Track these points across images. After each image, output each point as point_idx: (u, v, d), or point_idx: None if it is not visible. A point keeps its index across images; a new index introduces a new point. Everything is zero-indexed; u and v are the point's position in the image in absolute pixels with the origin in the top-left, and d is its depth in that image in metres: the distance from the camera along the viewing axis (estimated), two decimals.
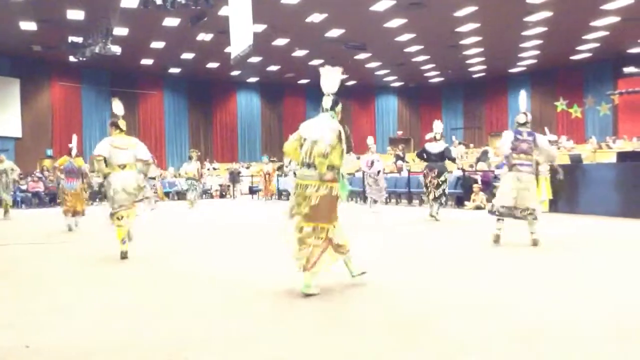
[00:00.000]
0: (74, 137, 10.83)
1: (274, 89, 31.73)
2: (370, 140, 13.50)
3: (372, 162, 13.03)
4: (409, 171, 17.78)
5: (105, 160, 6.52)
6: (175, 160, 28.86)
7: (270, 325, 3.67)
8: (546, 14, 18.62)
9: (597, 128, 26.25)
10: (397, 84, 33.10)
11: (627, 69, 23.72)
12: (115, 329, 3.64)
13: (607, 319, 3.62)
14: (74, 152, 10.51)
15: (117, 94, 27.46)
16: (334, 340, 3.33)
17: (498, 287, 4.70)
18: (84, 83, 27.13)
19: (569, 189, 11.84)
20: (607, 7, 17.89)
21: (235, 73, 28.07)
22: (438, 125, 11.02)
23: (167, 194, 22.83)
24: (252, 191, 23.71)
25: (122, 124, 6.76)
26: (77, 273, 5.85)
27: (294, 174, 4.82)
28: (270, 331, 3.53)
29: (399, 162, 22.00)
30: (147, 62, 25.40)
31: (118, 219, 6.43)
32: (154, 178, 17.85)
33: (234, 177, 24.66)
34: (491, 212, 7.12)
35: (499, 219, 7.00)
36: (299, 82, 30.99)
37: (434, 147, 10.79)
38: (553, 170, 12.22)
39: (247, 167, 28.17)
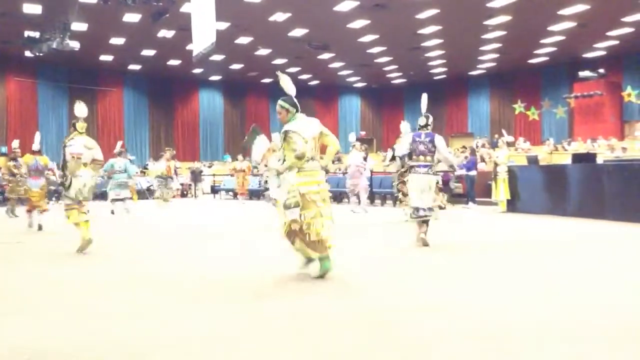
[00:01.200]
0: (37, 135, 10.73)
1: (237, 88, 31.51)
2: (352, 137, 13.62)
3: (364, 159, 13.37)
4: (371, 171, 17.90)
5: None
6: (135, 159, 28.37)
7: (247, 325, 3.64)
8: (505, 18, 19.04)
9: (553, 130, 26.98)
10: (360, 85, 33.32)
11: (583, 73, 24.47)
12: (88, 330, 3.57)
13: (566, 319, 3.72)
14: (36, 147, 10.45)
15: (75, 90, 26.99)
16: (308, 339, 3.33)
17: (464, 288, 4.78)
18: (41, 79, 26.41)
19: (526, 190, 12.15)
20: (563, 12, 18.40)
21: (197, 71, 27.76)
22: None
23: None
24: (214, 190, 23.50)
25: (80, 126, 7.00)
26: (51, 273, 5.69)
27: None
28: (247, 331, 3.51)
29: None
30: (106, 58, 24.89)
31: (84, 212, 6.87)
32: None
33: (196, 176, 24.38)
34: (412, 216, 7.13)
35: (420, 222, 7.02)
36: (262, 81, 30.86)
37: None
38: (510, 172, 12.57)
39: (209, 166, 27.90)
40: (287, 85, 5.14)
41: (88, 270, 5.80)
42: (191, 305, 4.22)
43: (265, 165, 5.46)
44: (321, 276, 4.91)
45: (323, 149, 5.20)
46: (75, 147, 6.88)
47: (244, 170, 19.19)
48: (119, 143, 14.57)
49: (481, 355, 3.01)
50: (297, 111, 5.10)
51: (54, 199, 17.24)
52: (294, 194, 4.87)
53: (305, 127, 5.03)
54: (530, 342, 3.20)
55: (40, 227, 9.93)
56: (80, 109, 7.03)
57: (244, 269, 5.70)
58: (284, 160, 5.01)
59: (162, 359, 3.06)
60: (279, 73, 5.22)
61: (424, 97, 7.63)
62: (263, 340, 3.32)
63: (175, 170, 15.68)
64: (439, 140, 7.14)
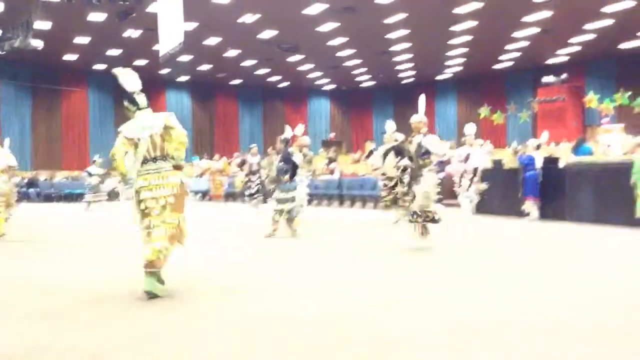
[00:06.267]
0: None
1: (205, 89, 31.24)
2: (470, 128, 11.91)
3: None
4: (340, 173, 18.01)
5: None
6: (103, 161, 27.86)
7: (204, 325, 3.62)
8: (471, 23, 19.34)
9: (517, 134, 27.46)
10: (329, 87, 33.40)
11: (546, 79, 25.01)
12: (31, 335, 3.49)
13: (526, 314, 3.81)
14: None
15: (38, 90, 26.38)
16: (268, 338, 3.33)
17: (430, 286, 4.84)
18: (3, 78, 25.67)
19: (491, 192, 12.34)
20: (527, 19, 18.79)
21: (164, 71, 27.44)
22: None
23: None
24: None
25: None
26: None
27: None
28: (205, 331, 3.49)
29: (332, 165, 22.20)
30: (70, 57, 24.39)
31: None
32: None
33: None
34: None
35: None
36: (231, 82, 30.68)
37: None
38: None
39: None
40: (127, 80, 4.82)
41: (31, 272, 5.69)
42: (137, 306, 4.18)
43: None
44: (148, 292, 4.34)
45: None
46: None
47: (219, 171, 18.17)
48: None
49: (445, 352, 3.06)
50: (137, 109, 4.72)
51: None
52: (135, 203, 4.54)
53: (139, 126, 4.61)
54: (491, 338, 3.26)
55: None
56: None
57: (202, 271, 5.67)
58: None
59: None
60: (115, 70, 4.90)
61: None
62: (229, 340, 3.31)
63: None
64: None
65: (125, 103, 4.77)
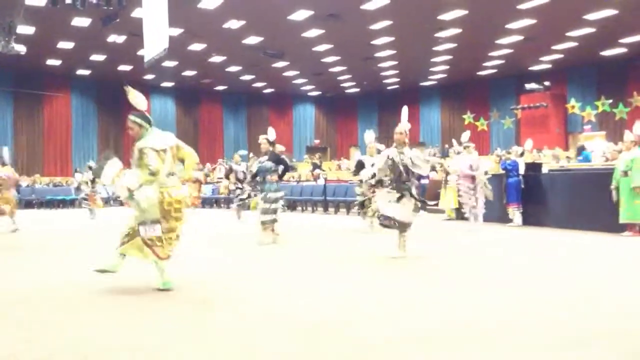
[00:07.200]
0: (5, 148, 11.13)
1: (190, 95, 31.12)
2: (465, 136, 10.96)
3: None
4: (325, 179, 18.02)
5: None
6: (82, 166, 27.56)
7: (177, 334, 3.59)
8: (456, 30, 19.51)
9: (501, 140, 27.73)
10: (314, 93, 33.45)
11: (529, 85, 25.31)
12: (23, 339, 3.43)
13: (526, 314, 3.83)
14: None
15: (20, 95, 26.10)
16: (241, 343, 3.30)
17: (425, 287, 4.84)
18: None
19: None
20: (511, 26, 19.00)
21: (149, 77, 27.30)
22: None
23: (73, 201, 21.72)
24: None
25: None
26: None
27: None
28: (177, 340, 3.46)
29: (316, 171, 22.25)
30: (54, 62, 24.17)
31: None
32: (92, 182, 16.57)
33: None
34: None
35: None
36: (215, 88, 30.60)
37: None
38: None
39: None
40: (137, 99, 5.10)
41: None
42: (134, 308, 4.14)
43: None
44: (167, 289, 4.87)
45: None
46: None
47: (199, 180, 18.16)
48: None
49: (445, 352, 3.07)
50: (150, 125, 5.05)
51: None
52: (153, 210, 4.83)
53: (160, 141, 4.99)
54: (491, 338, 3.27)
55: None
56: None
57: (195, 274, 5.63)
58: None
59: None
60: (127, 87, 5.14)
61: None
62: (199, 347, 3.28)
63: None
64: None
65: (138, 120, 5.01)
